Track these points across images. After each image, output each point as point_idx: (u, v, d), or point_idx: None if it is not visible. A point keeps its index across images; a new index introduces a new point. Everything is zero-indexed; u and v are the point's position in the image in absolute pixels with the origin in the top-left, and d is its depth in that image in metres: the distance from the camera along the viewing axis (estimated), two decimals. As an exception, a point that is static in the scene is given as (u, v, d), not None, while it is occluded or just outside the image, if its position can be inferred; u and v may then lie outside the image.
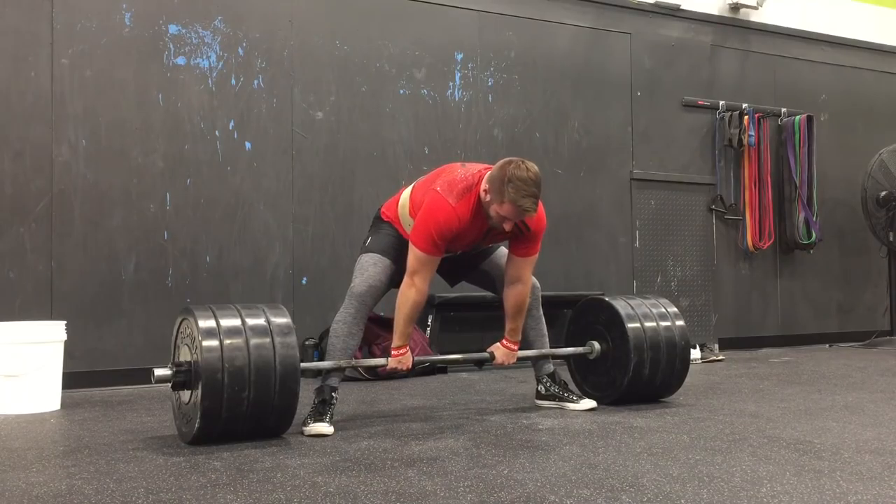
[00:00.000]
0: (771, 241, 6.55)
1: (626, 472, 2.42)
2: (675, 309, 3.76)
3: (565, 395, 3.59)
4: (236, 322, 2.87)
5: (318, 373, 3.31)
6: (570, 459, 2.59)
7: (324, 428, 3.04)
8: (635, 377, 3.55)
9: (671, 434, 3.00)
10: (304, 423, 3.09)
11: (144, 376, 4.46)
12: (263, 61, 4.92)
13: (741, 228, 6.51)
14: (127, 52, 4.58)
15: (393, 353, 3.26)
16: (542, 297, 4.75)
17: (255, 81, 4.89)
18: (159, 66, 4.65)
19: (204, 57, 4.76)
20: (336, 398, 3.23)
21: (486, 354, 3.47)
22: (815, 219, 6.65)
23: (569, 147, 5.86)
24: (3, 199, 4.30)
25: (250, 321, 2.90)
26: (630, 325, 3.56)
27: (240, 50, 4.86)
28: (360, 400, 3.92)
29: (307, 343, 4.83)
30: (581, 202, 5.87)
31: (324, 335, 4.82)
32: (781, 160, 6.69)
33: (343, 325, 3.26)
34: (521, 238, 3.28)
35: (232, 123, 4.82)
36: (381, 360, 3.34)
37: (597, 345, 3.69)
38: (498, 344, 3.47)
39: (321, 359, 4.75)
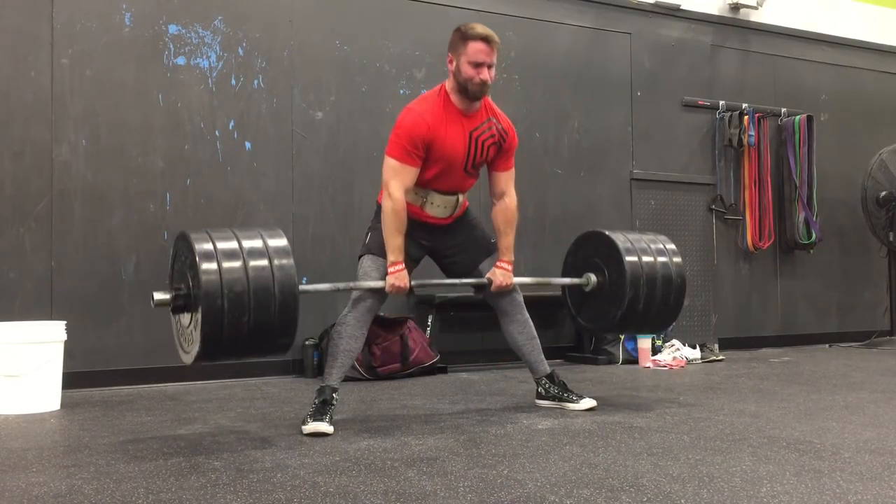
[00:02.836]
0: (771, 241, 6.55)
1: (626, 472, 2.42)
2: (674, 246, 3.76)
3: (565, 395, 3.58)
4: (233, 245, 2.86)
5: (327, 340, 3.30)
6: (570, 459, 2.59)
7: (323, 427, 3.04)
8: (629, 311, 3.56)
9: (671, 434, 3.00)
10: (304, 423, 3.09)
11: (144, 376, 4.49)
12: (263, 61, 4.92)
13: (741, 228, 6.51)
14: (127, 52, 4.58)
15: (389, 270, 3.24)
16: (543, 296, 4.76)
17: (255, 81, 4.89)
18: (159, 66, 4.65)
19: (204, 57, 4.76)
20: (337, 399, 3.22)
21: (484, 280, 3.46)
22: (815, 219, 6.65)
23: (569, 147, 5.86)
24: (3, 199, 4.30)
25: (247, 244, 2.88)
26: (628, 259, 3.56)
27: (240, 50, 4.86)
28: (360, 400, 3.92)
29: (307, 343, 4.83)
30: (581, 202, 5.87)
31: (324, 335, 4.82)
32: (781, 160, 6.69)
33: (347, 327, 3.26)
34: (501, 151, 3.44)
35: (232, 123, 4.82)
36: (378, 283, 3.27)
37: (593, 277, 3.69)
38: (493, 268, 3.47)
39: (321, 359, 4.76)
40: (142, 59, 4.61)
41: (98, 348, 4.44)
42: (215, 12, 4.80)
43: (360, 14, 5.20)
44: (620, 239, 3.64)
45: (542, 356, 3.62)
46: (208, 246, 2.82)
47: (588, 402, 3.55)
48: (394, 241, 3.23)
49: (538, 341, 3.60)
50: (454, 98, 3.32)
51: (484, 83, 3.27)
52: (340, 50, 5.14)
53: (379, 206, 3.41)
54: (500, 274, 3.45)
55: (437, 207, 3.40)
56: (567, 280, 3.79)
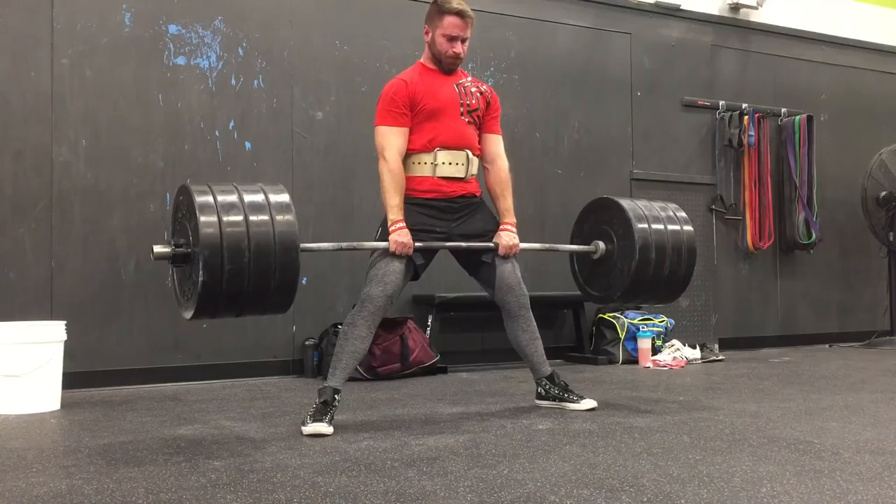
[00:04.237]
0: (771, 242, 6.55)
1: (626, 472, 2.42)
2: (684, 214, 3.74)
3: (565, 395, 3.58)
4: (234, 198, 2.85)
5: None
6: (570, 459, 2.59)
7: (323, 428, 3.03)
8: (639, 278, 3.51)
9: (671, 434, 3.00)
10: (304, 423, 3.09)
11: (144, 376, 4.49)
12: (263, 61, 4.92)
13: (741, 228, 6.50)
14: (127, 52, 4.58)
15: (391, 229, 3.24)
16: (543, 296, 4.74)
17: (255, 81, 4.89)
18: (159, 66, 4.65)
19: (204, 57, 4.76)
20: (338, 401, 3.20)
21: (490, 245, 3.43)
22: (815, 219, 6.65)
23: (569, 147, 5.86)
24: (3, 199, 4.29)
25: (248, 198, 2.87)
26: (638, 226, 3.52)
27: (240, 50, 4.86)
28: (359, 400, 3.92)
29: (307, 343, 4.83)
30: (581, 202, 5.76)
31: (324, 335, 4.82)
32: (781, 160, 6.69)
33: (356, 328, 3.24)
34: (489, 109, 3.51)
35: (232, 123, 4.82)
36: (382, 243, 3.26)
37: (602, 244, 3.65)
38: (498, 231, 3.46)
39: (321, 359, 4.77)
40: (142, 59, 4.61)
41: (98, 348, 4.43)
42: (215, 12, 4.80)
43: (360, 14, 5.20)
44: (630, 206, 3.62)
45: (544, 357, 3.61)
46: (208, 199, 2.81)
47: (589, 403, 3.54)
48: (392, 200, 3.25)
49: (541, 342, 3.59)
50: (430, 66, 3.45)
51: (457, 56, 3.41)
52: (340, 50, 5.14)
53: None
54: (506, 235, 3.44)
55: (449, 166, 3.38)
56: (576, 247, 3.76)
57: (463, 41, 3.39)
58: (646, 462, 2.55)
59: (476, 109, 3.45)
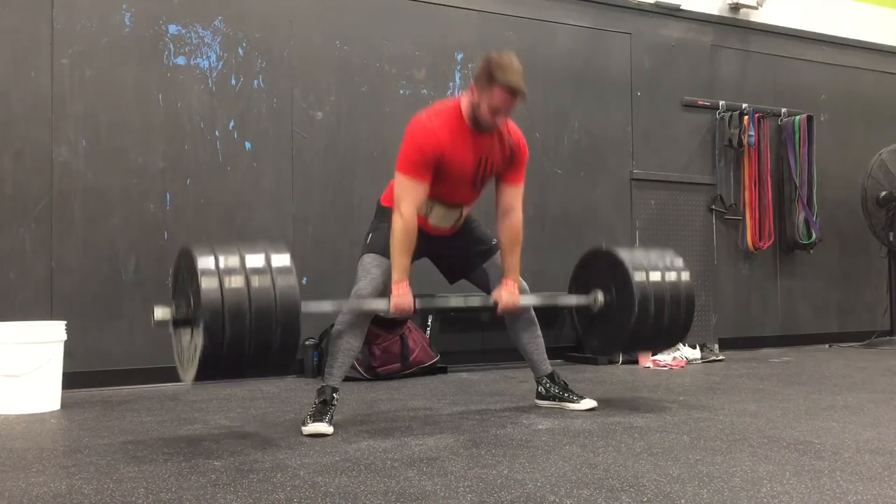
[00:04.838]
0: (771, 242, 6.55)
1: (626, 472, 2.42)
2: (681, 262, 3.71)
3: (566, 395, 3.58)
4: (236, 260, 2.84)
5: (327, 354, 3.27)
6: (570, 459, 2.60)
7: (323, 428, 3.04)
8: (641, 314, 3.49)
9: (671, 434, 3.00)
10: (304, 423, 3.09)
11: (144, 376, 4.49)
12: (263, 61, 4.92)
13: (741, 228, 6.50)
14: (127, 52, 4.58)
15: (394, 290, 3.18)
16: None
17: (255, 81, 4.89)
18: (159, 66, 4.65)
19: (204, 57, 4.76)
20: (337, 399, 3.22)
21: (489, 303, 3.42)
22: (815, 219, 6.65)
23: (569, 147, 5.86)
24: (3, 199, 4.29)
25: (251, 261, 2.86)
26: (636, 279, 3.50)
27: (240, 50, 4.86)
28: (360, 400, 3.92)
29: (307, 343, 4.83)
30: (581, 202, 5.86)
31: (324, 335, 4.82)
32: (781, 160, 6.69)
33: (347, 325, 3.25)
34: (511, 165, 3.37)
35: (232, 123, 4.82)
36: (382, 301, 3.22)
37: (600, 296, 3.62)
38: (499, 288, 3.42)
39: (321, 359, 4.76)
40: (142, 59, 4.61)
41: (98, 348, 4.43)
42: (215, 12, 4.80)
43: (360, 14, 5.20)
44: (628, 257, 3.60)
45: (545, 356, 3.62)
46: (210, 264, 2.79)
47: (588, 403, 3.55)
48: (400, 261, 3.16)
49: (542, 341, 3.59)
50: (467, 122, 3.24)
51: (496, 126, 3.25)
52: (340, 50, 5.14)
53: (380, 207, 3.40)
54: (507, 295, 3.39)
55: (442, 219, 3.37)
56: (574, 299, 3.73)
57: (507, 113, 3.23)
58: (646, 462, 2.55)
59: (489, 178, 3.38)
